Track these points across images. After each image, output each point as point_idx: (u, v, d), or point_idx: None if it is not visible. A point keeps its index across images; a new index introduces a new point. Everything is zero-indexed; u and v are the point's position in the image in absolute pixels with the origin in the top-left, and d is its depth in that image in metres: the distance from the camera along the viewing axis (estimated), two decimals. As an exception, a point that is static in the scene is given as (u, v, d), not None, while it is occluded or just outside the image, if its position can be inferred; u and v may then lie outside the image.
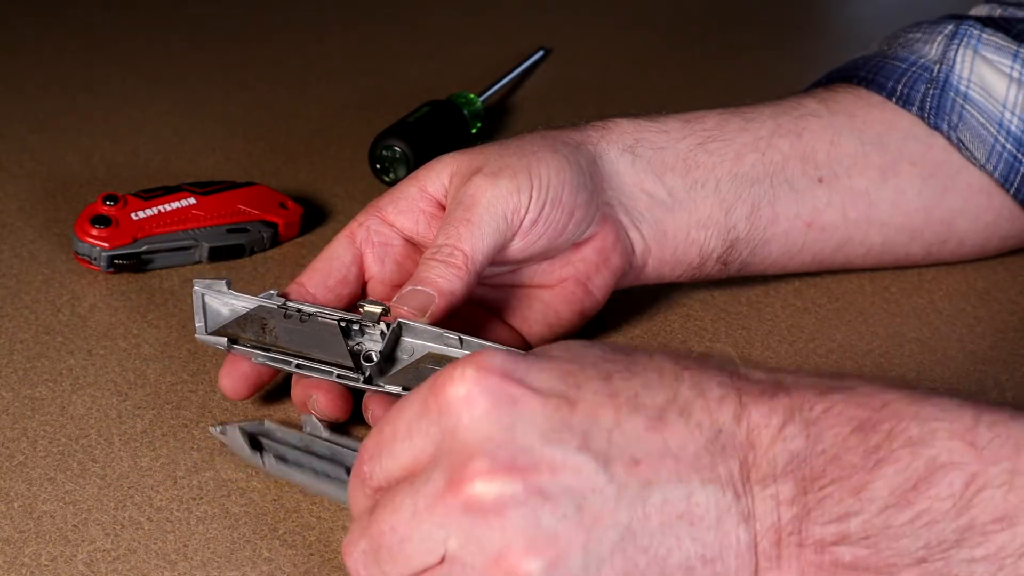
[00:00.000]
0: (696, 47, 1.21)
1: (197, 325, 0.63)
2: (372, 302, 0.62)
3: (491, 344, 0.60)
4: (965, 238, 0.77)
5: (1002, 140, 0.73)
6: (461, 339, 0.60)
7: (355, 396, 0.62)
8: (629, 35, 1.24)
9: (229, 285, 0.64)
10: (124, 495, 0.59)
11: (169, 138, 0.96)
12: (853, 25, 1.38)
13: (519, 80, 1.08)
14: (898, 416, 0.47)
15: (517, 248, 0.65)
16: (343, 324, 0.62)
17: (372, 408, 0.61)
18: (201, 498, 0.59)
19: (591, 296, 0.68)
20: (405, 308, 0.61)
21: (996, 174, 0.74)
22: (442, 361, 0.61)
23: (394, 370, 0.61)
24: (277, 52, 1.15)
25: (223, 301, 0.64)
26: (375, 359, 0.61)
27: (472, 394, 0.46)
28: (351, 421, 0.63)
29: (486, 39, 1.19)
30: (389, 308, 0.62)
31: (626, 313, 0.74)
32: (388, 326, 0.61)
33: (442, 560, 0.46)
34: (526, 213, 0.64)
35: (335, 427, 0.61)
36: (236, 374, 0.63)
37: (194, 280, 0.64)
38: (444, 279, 0.61)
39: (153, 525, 0.57)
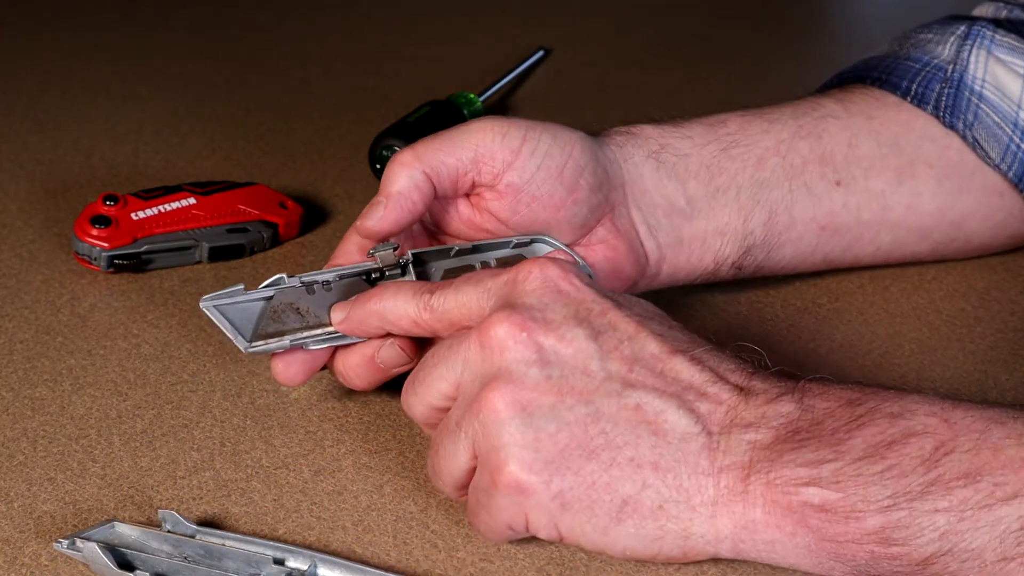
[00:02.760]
0: (696, 47, 1.21)
1: (237, 342, 0.61)
2: (380, 246, 0.63)
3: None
4: (972, 237, 0.78)
5: (1017, 140, 0.73)
6: (475, 246, 0.64)
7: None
8: (629, 35, 1.24)
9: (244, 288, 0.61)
10: (124, 495, 0.59)
11: (169, 138, 0.96)
12: (853, 25, 1.38)
13: (519, 80, 1.08)
14: (883, 397, 0.53)
15: (504, 209, 0.64)
16: (364, 276, 0.63)
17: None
18: (201, 498, 0.59)
19: None
20: (364, 223, 0.63)
21: (1010, 174, 0.74)
22: (460, 272, 0.64)
23: None
24: (277, 52, 1.15)
25: (242, 306, 0.61)
26: None
27: (531, 274, 0.55)
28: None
29: (486, 39, 1.19)
30: (398, 245, 0.63)
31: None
32: (406, 261, 0.63)
33: (457, 391, 0.55)
34: (506, 168, 0.64)
35: (202, 521, 0.58)
36: (291, 358, 0.62)
37: (202, 299, 0.60)
38: (390, 181, 0.63)
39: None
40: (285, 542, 0.56)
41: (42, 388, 0.67)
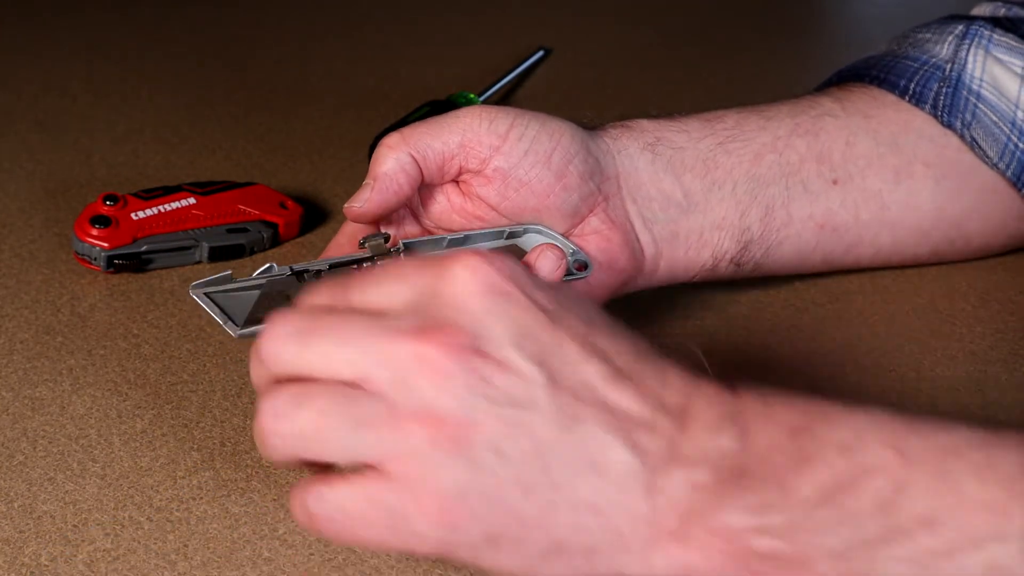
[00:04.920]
0: (696, 47, 1.21)
1: (227, 327, 0.60)
2: (371, 236, 0.63)
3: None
4: (972, 238, 0.78)
5: (1015, 139, 0.73)
6: (467, 236, 0.64)
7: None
8: (629, 35, 1.24)
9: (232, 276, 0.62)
10: (124, 495, 0.59)
11: (169, 138, 0.96)
12: (853, 25, 1.38)
13: (519, 80, 1.08)
14: (832, 423, 0.48)
15: (493, 194, 0.65)
16: (356, 266, 0.63)
17: None
18: (201, 498, 0.59)
19: (592, 297, 0.68)
20: (352, 206, 0.63)
21: (1008, 173, 0.74)
22: None
23: None
24: (277, 52, 1.15)
25: (232, 293, 0.62)
26: None
27: (473, 277, 0.49)
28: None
29: (486, 39, 1.19)
30: (389, 235, 0.64)
31: (625, 314, 0.74)
32: (397, 251, 0.64)
33: (354, 382, 0.48)
34: (493, 154, 0.64)
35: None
36: None
37: (191, 285, 0.61)
38: (377, 164, 0.63)
39: (153, 525, 0.57)
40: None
41: (42, 388, 0.67)
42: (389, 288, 0.50)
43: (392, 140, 0.64)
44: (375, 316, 0.49)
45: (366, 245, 0.63)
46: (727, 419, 0.49)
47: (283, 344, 0.49)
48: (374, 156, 0.64)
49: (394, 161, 0.63)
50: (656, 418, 0.49)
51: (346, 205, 0.64)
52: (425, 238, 0.65)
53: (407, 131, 0.64)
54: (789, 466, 0.48)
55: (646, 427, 0.48)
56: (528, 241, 0.66)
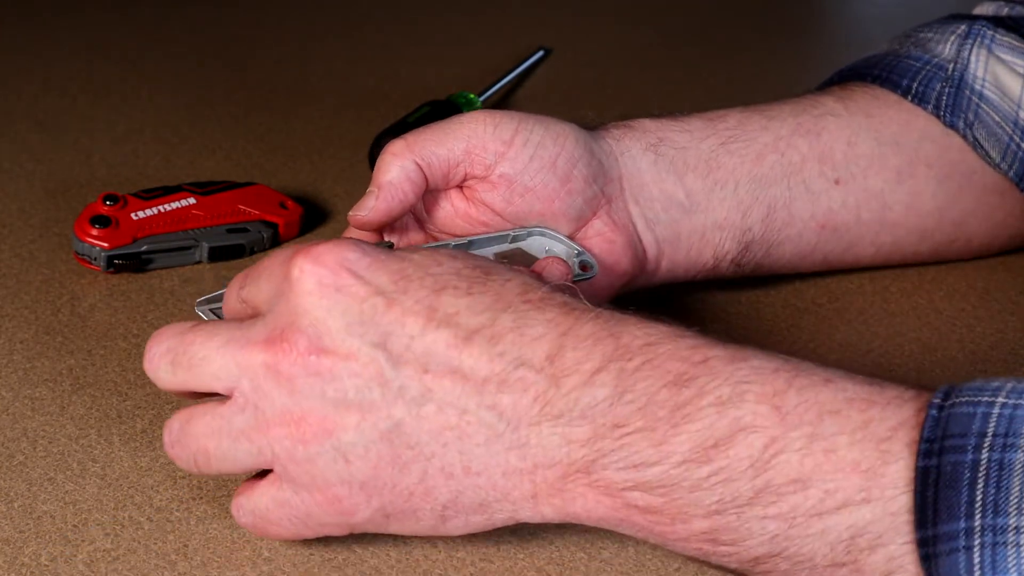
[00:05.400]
0: (696, 47, 1.21)
1: None
2: (376, 244, 0.63)
3: (431, 244, 0.64)
4: (973, 237, 0.78)
5: (1017, 139, 0.73)
6: (471, 241, 0.64)
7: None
8: (629, 35, 1.24)
9: None
10: (124, 495, 0.59)
11: (169, 138, 0.96)
12: (853, 25, 1.38)
13: (519, 80, 1.08)
14: (713, 374, 0.49)
15: (498, 200, 0.65)
16: None
17: None
18: (201, 498, 0.59)
19: (595, 298, 0.68)
20: (357, 214, 0.63)
21: (1011, 173, 0.74)
22: None
23: None
24: (277, 52, 1.15)
25: None
26: None
27: (305, 279, 0.50)
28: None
29: (486, 39, 1.19)
30: (393, 243, 0.63)
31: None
32: None
33: (231, 394, 0.51)
34: (499, 159, 0.64)
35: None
36: None
37: (196, 302, 0.62)
38: (382, 172, 0.63)
39: (153, 525, 0.57)
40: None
41: (42, 388, 0.67)
42: (259, 285, 0.53)
43: (397, 147, 0.63)
44: (235, 325, 0.52)
45: None
46: (603, 369, 0.49)
47: (157, 365, 0.53)
48: (378, 163, 0.64)
49: (399, 169, 0.63)
50: (514, 373, 0.50)
51: (350, 213, 0.64)
52: (430, 244, 0.65)
53: (411, 138, 0.64)
54: (667, 419, 0.48)
55: (502, 384, 0.50)
56: (533, 244, 0.66)
